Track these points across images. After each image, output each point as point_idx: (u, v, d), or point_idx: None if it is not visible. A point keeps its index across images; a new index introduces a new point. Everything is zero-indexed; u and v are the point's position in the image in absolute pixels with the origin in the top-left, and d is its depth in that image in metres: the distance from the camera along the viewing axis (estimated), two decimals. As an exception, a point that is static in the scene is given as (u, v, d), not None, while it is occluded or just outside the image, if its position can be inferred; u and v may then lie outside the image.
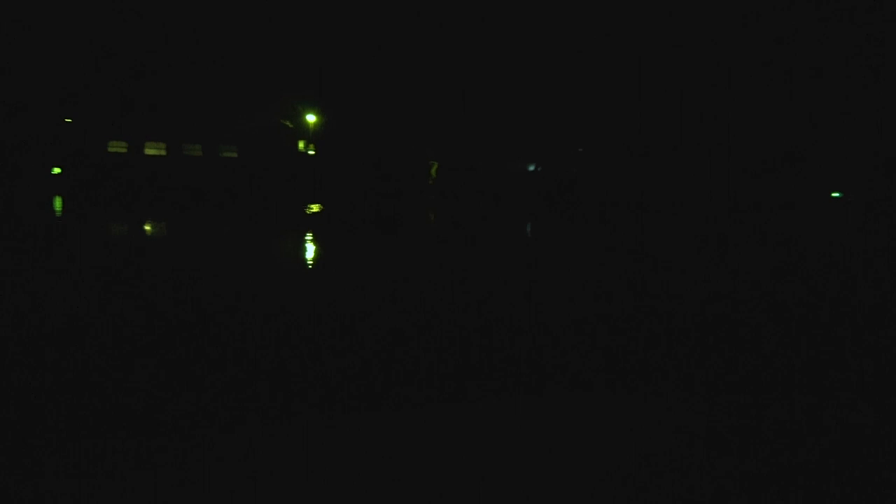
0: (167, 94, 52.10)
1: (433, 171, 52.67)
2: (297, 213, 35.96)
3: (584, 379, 9.28)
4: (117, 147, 48.55)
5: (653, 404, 8.23)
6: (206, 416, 7.82)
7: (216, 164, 49.64)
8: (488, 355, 10.28)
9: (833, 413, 8.00)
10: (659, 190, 54.46)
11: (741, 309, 14.15)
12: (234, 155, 50.06)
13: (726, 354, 10.63)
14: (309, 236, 26.34)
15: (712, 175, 55.58)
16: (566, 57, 59.34)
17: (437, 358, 10.22)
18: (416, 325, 12.05)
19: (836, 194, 56.29)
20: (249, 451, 6.74)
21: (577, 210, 43.51)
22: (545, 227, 33.65)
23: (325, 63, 56.70)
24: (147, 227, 30.22)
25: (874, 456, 6.81)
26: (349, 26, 59.15)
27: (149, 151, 48.91)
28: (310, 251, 22.64)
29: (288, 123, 53.20)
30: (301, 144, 54.07)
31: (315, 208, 39.37)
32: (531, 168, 55.90)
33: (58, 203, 38.93)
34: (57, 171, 47.89)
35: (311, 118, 55.37)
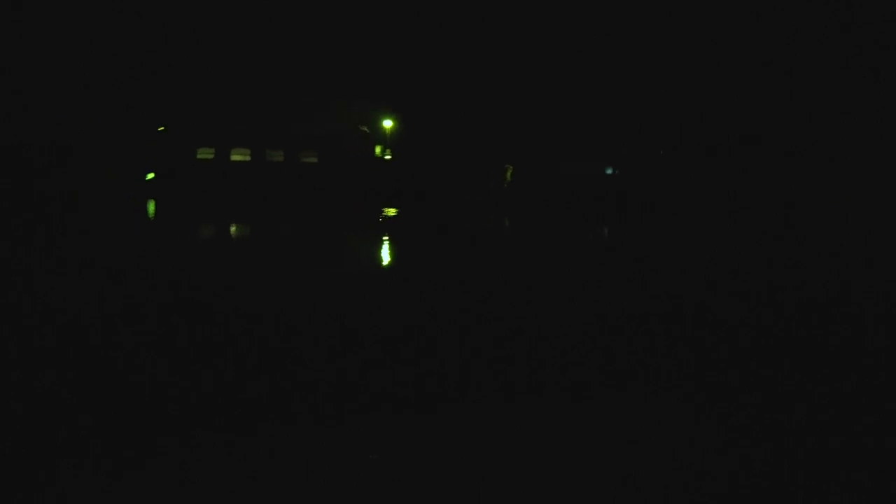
0: (252, 103, 53.97)
1: (508, 174, 51.91)
2: (374, 218, 36.12)
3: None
4: (205, 154, 51.11)
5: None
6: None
7: (297, 169, 51.49)
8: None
9: (833, 414, 8.00)
10: (748, 193, 51.97)
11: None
12: (315, 160, 51.88)
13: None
14: (384, 241, 25.79)
15: (809, 175, 52.99)
16: (647, 55, 57.86)
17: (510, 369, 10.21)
18: (489, 336, 11.37)
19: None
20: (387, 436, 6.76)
21: (659, 215, 41.34)
22: (625, 233, 31.95)
23: (401, 67, 57.22)
24: (233, 230, 30.72)
25: (871, 458, 6.81)
26: (425, 30, 59.20)
27: (235, 157, 51.33)
28: (384, 256, 22.18)
29: (365, 129, 54.23)
30: (378, 149, 55.52)
31: (391, 212, 39.38)
32: (608, 171, 53.71)
33: (151, 207, 40.49)
34: (150, 176, 50.20)
35: (387, 123, 56.15)
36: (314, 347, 10.57)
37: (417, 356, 10.18)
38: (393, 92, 57.66)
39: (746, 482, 6.25)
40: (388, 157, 55.79)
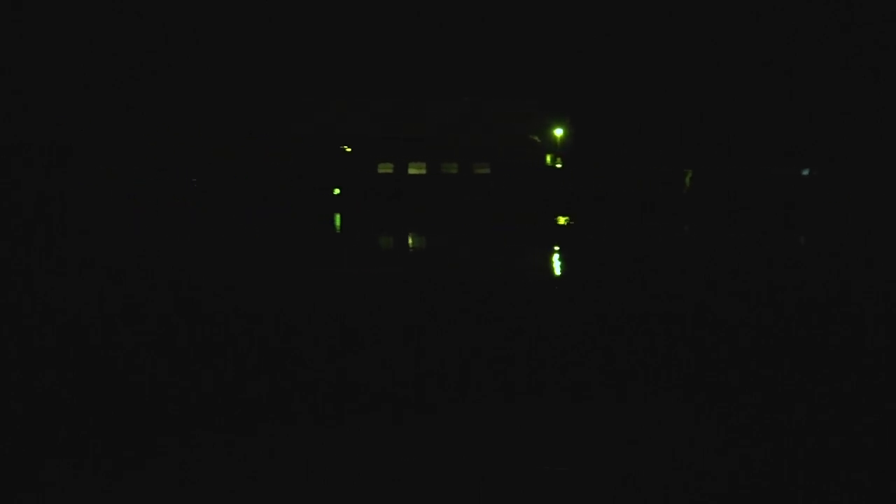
0: (428, 120, 57.27)
1: (688, 179, 49.94)
2: (546, 226, 35.92)
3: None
4: (385, 168, 54.95)
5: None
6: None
7: (470, 179, 54.30)
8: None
9: (833, 414, 8.00)
10: None
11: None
12: (487, 171, 54.34)
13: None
14: (554, 249, 25.16)
15: None
16: (847, 42, 54.04)
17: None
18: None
19: None
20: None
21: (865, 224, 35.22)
22: (840, 246, 27.16)
23: (571, 74, 57.71)
24: (411, 240, 31.08)
25: (871, 458, 6.81)
26: (594, 38, 59.08)
27: (412, 171, 55.05)
28: (555, 264, 21.84)
29: (536, 139, 55.05)
30: (549, 158, 56.59)
31: (563, 220, 38.85)
32: (805, 172, 47.77)
33: (337, 219, 42.09)
34: (337, 191, 54.05)
35: (558, 132, 56.56)
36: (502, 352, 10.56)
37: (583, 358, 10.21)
38: (563, 100, 58.16)
39: (746, 482, 6.25)
40: (558, 165, 56.36)
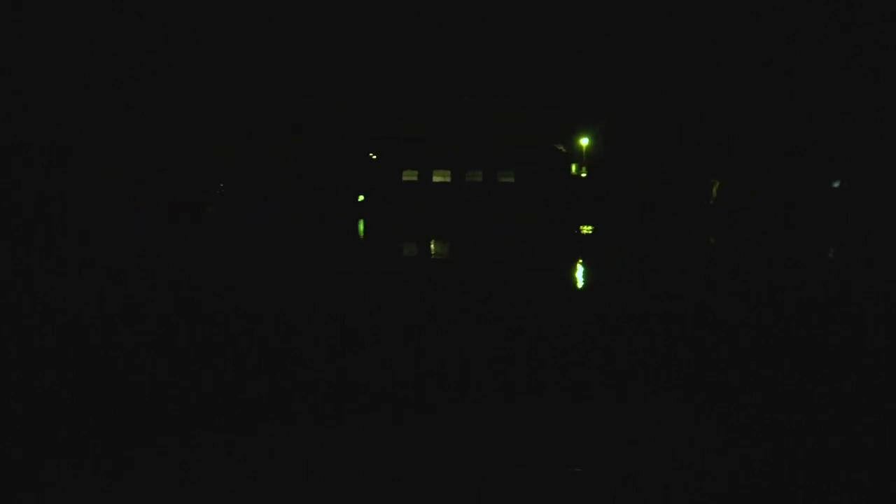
0: (451, 128, 57.07)
1: (714, 190, 48.43)
2: (569, 235, 35.81)
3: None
4: (410, 176, 54.69)
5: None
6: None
7: (495, 188, 54.04)
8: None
9: (833, 414, 8.00)
10: None
11: None
12: (511, 180, 54.23)
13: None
14: (577, 260, 24.73)
15: None
16: (877, 49, 53.06)
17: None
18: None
19: None
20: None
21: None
22: (840, 246, 27.87)
23: (595, 84, 57.42)
24: (433, 246, 30.84)
25: (871, 458, 6.81)
26: (619, 47, 58.81)
27: (436, 178, 54.73)
28: (578, 275, 21.21)
29: (561, 148, 55.21)
30: (574, 167, 56.87)
31: (587, 230, 38.75)
32: (836, 184, 46.68)
33: (361, 226, 42.07)
34: (362, 198, 54.08)
35: (583, 141, 56.59)
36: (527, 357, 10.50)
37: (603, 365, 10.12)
38: (589, 109, 57.76)
39: (746, 482, 6.25)
40: (584, 174, 56.35)
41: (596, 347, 11.08)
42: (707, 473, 6.41)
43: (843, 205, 46.24)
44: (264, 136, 55.60)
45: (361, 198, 53.90)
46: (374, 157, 54.81)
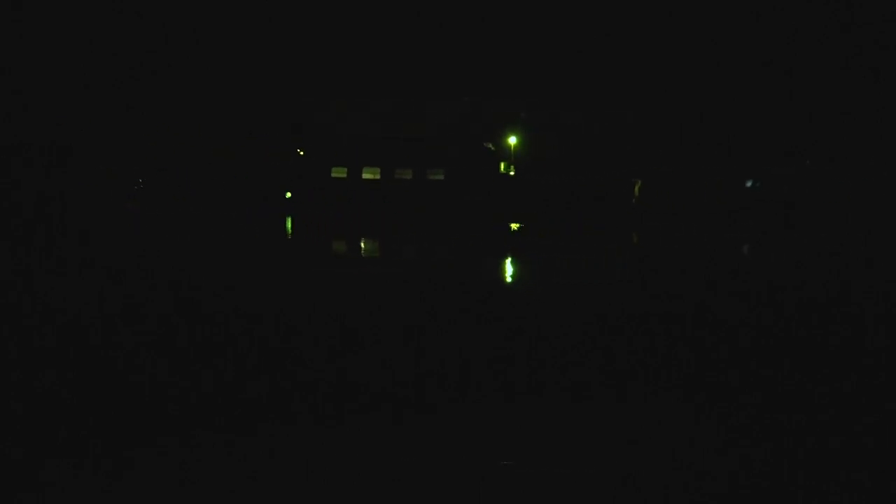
0: (380, 125, 57.28)
1: (636, 189, 49.61)
2: (498, 232, 36.34)
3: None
4: (339, 173, 54.19)
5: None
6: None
7: (425, 186, 54.05)
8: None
9: (833, 414, 8.00)
10: None
11: None
12: (441, 177, 54.39)
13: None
14: (507, 255, 25.00)
15: None
16: (787, 56, 54.04)
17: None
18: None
19: None
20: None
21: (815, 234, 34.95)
22: (774, 253, 27.03)
23: (524, 84, 57.73)
24: (363, 244, 31.02)
25: (871, 458, 6.81)
26: (546, 47, 59.13)
27: (366, 176, 54.37)
28: (507, 268, 21.90)
29: (490, 146, 55.67)
30: (502, 166, 57.54)
31: (514, 227, 39.48)
32: (748, 184, 48.99)
33: (288, 223, 42.30)
34: (288, 195, 53.82)
35: (511, 140, 57.02)
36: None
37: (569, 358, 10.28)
38: (517, 107, 58.16)
39: (746, 482, 6.26)
40: (511, 173, 56.91)
41: (579, 344, 11.08)
42: (707, 473, 6.41)
43: (814, 193, 47.57)
44: (243, 131, 55.49)
45: (289, 195, 53.73)
46: (302, 153, 54.84)
